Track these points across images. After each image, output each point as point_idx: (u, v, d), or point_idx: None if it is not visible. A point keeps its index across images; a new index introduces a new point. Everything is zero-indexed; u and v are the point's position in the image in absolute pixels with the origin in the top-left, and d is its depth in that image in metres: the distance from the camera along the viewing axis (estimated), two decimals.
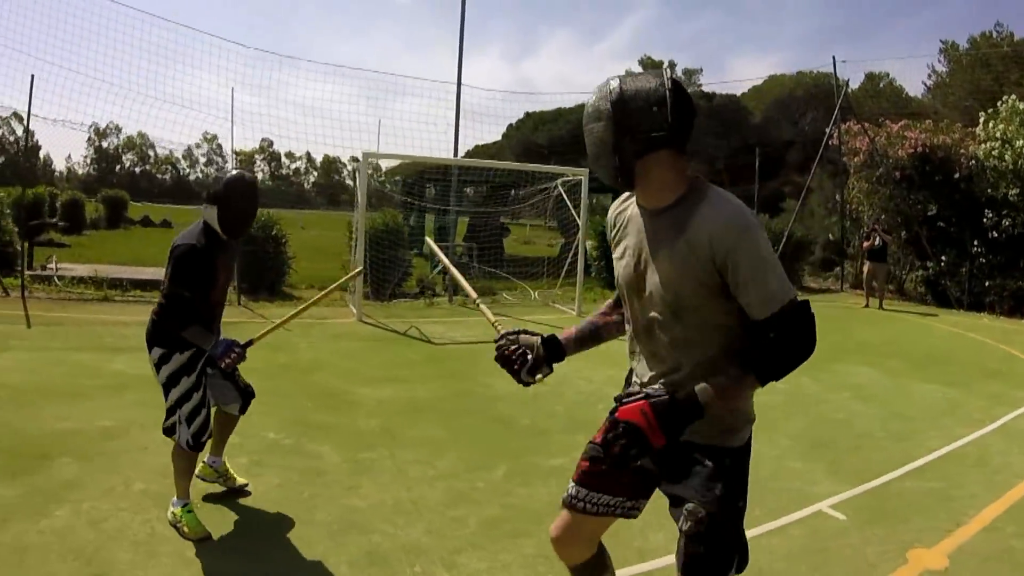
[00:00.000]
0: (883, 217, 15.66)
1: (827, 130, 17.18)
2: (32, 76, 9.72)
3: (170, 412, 3.15)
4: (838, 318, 12.06)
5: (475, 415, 5.20)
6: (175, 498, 3.15)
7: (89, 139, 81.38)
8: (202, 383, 3.17)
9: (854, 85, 36.86)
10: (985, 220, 14.20)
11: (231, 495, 3.51)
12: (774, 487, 3.92)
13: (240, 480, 3.56)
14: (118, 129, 76.07)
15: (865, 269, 14.12)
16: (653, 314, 1.79)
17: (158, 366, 3.10)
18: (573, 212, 11.70)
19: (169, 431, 3.17)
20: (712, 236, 1.62)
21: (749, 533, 1.96)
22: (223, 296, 3.31)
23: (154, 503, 3.34)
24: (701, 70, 44.86)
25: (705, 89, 36.98)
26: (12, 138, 64.89)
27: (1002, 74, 24.27)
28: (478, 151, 47.96)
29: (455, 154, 11.82)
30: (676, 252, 1.69)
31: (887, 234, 14.09)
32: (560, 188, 11.84)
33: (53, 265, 11.57)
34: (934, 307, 14.42)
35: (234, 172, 3.16)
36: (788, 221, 16.51)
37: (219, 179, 3.14)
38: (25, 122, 10.48)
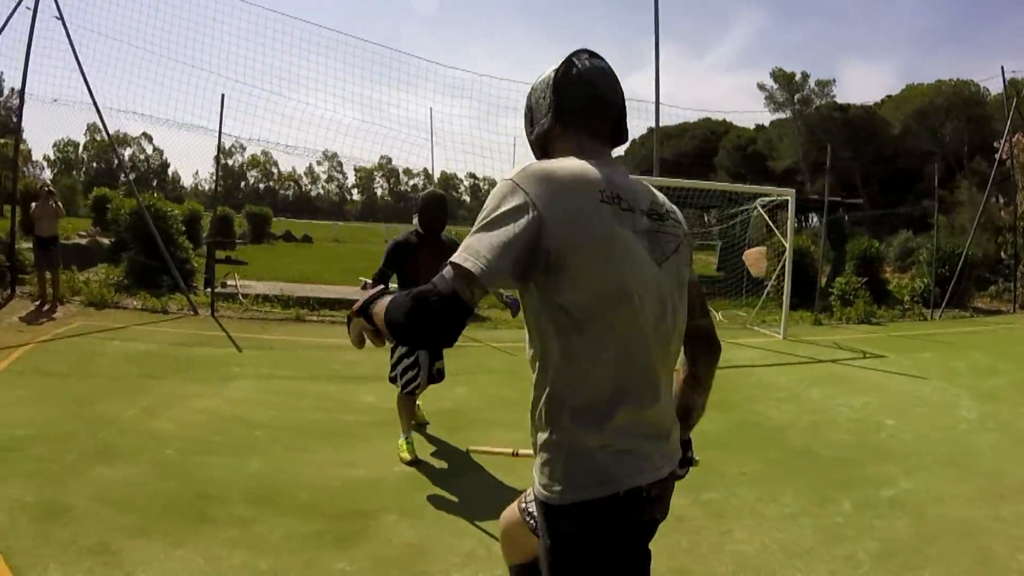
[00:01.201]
0: None
1: (996, 144, 16.72)
2: (223, 96, 10.35)
3: (392, 367, 4.72)
4: (1017, 341, 12.00)
5: (774, 447, 5.51)
6: (401, 432, 4.72)
7: (216, 156, 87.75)
8: (414, 352, 4.62)
9: (995, 91, 35.29)
10: None
11: None
12: None
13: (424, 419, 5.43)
14: (242, 147, 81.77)
15: None
16: None
17: None
18: (778, 233, 11.91)
19: (392, 380, 4.72)
20: None
21: None
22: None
23: None
24: (834, 80, 43.57)
25: (839, 100, 36.23)
26: (142, 156, 71.14)
27: None
28: None
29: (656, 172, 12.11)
30: None
31: None
32: (760, 209, 12.04)
33: (235, 282, 11.80)
34: None
35: (428, 189, 4.89)
36: (938, 239, 16.06)
37: (420, 195, 4.78)
38: (218, 141, 10.92)
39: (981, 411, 6.82)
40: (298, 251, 25.46)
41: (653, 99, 10.78)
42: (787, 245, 10.89)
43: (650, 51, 8.60)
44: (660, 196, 1.62)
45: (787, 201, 10.89)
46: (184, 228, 12.76)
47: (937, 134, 33.42)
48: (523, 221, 1.33)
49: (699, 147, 46.43)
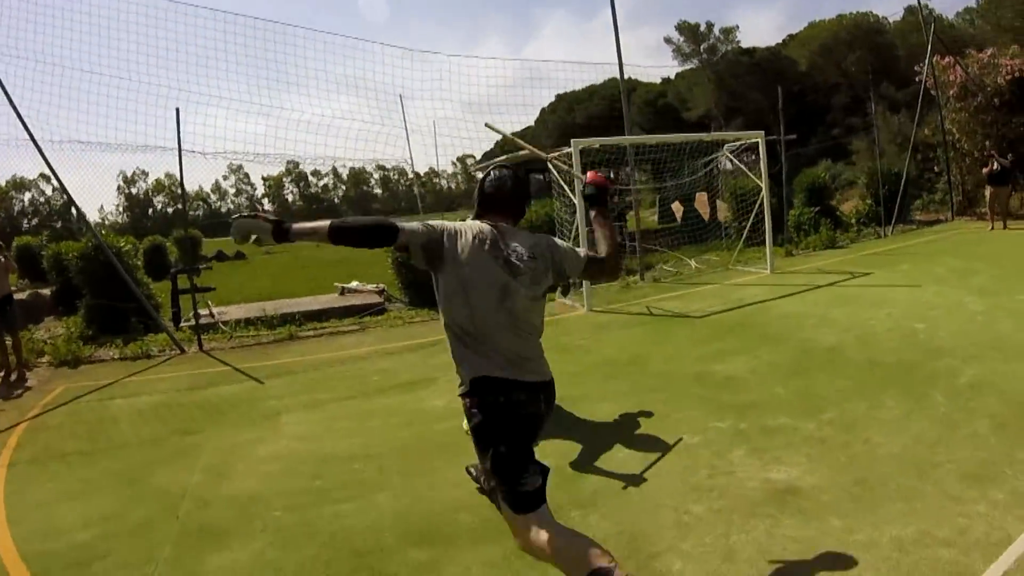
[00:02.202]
0: (987, 143, 16.48)
1: (917, 67, 18.02)
2: (177, 110, 9.41)
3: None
4: (980, 242, 13.41)
5: (843, 364, 6.04)
6: None
7: (119, 187, 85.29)
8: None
9: (895, 20, 37.63)
10: None
11: None
12: None
13: None
14: (144, 174, 79.17)
15: (988, 194, 15.03)
16: None
17: None
18: (751, 175, 12.52)
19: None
20: None
21: None
22: None
23: None
24: (737, 27, 45.27)
25: (744, 45, 37.76)
26: (43, 199, 67.95)
27: None
28: (507, 139, 48.30)
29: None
30: None
31: (1004, 158, 14.90)
32: (728, 154, 12.59)
33: (209, 311, 11.02)
34: None
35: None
36: (861, 165, 17.15)
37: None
38: (179, 160, 9.52)
39: (985, 304, 7.68)
40: (241, 269, 24.66)
41: (551, 63, 11.02)
42: (762, 184, 11.51)
43: (545, 18, 9.11)
44: (535, 243, 2.81)
45: (756, 143, 11.49)
46: (140, 263, 12.21)
47: (841, 66, 35.34)
48: (440, 232, 2.69)
49: (609, 107, 47.24)
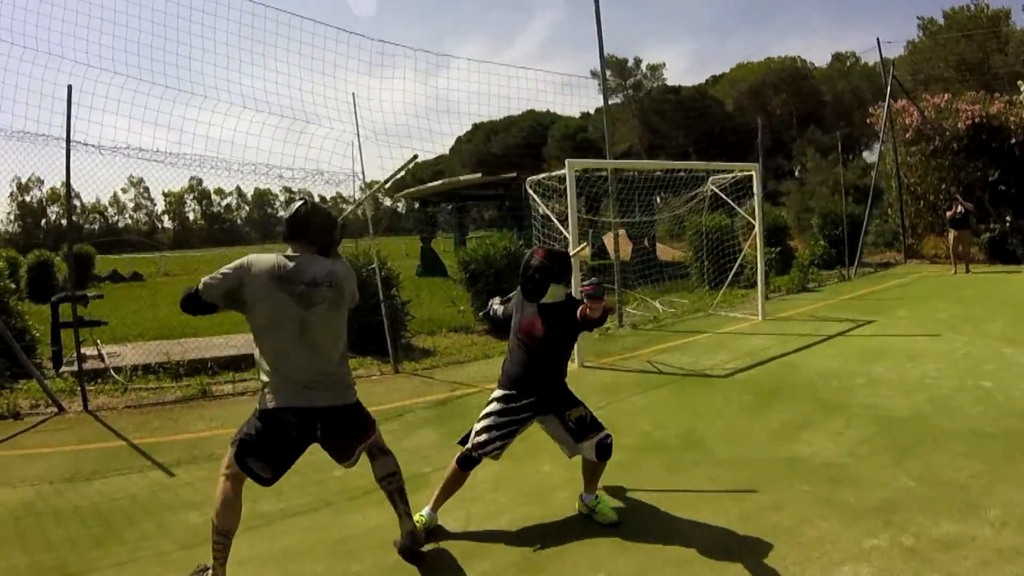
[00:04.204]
0: (946, 188, 16.85)
1: (871, 110, 18.49)
2: (69, 88, 6.99)
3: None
4: (956, 286, 13.50)
5: (940, 438, 5.28)
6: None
7: (11, 194, 78.30)
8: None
9: (821, 64, 39.48)
10: None
11: None
12: None
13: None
14: (40, 181, 73.66)
15: (950, 237, 15.24)
16: None
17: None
18: (740, 211, 11.87)
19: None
20: None
21: None
22: None
23: None
24: (664, 64, 46.66)
25: (670, 83, 38.53)
26: None
27: (983, 43, 26.97)
28: (418, 167, 47.86)
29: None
30: None
31: (969, 201, 15.15)
32: (713, 187, 11.91)
33: (98, 351, 9.05)
34: (1006, 265, 16.09)
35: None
36: (845, 204, 17.30)
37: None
38: (66, 150, 7.12)
39: None
40: (137, 293, 20.52)
41: (459, 97, 10.21)
42: (756, 222, 10.86)
43: (456, 49, 8.44)
44: (332, 270, 3.24)
45: (750, 176, 10.87)
46: (16, 284, 9.88)
47: (767, 108, 36.51)
48: (237, 276, 3.12)
49: (527, 139, 47.53)
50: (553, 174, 9.36)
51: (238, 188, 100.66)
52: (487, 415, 3.91)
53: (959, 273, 14.88)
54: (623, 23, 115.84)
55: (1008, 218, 16.46)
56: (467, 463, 3.89)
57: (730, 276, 12.47)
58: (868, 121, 19.24)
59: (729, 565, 3.49)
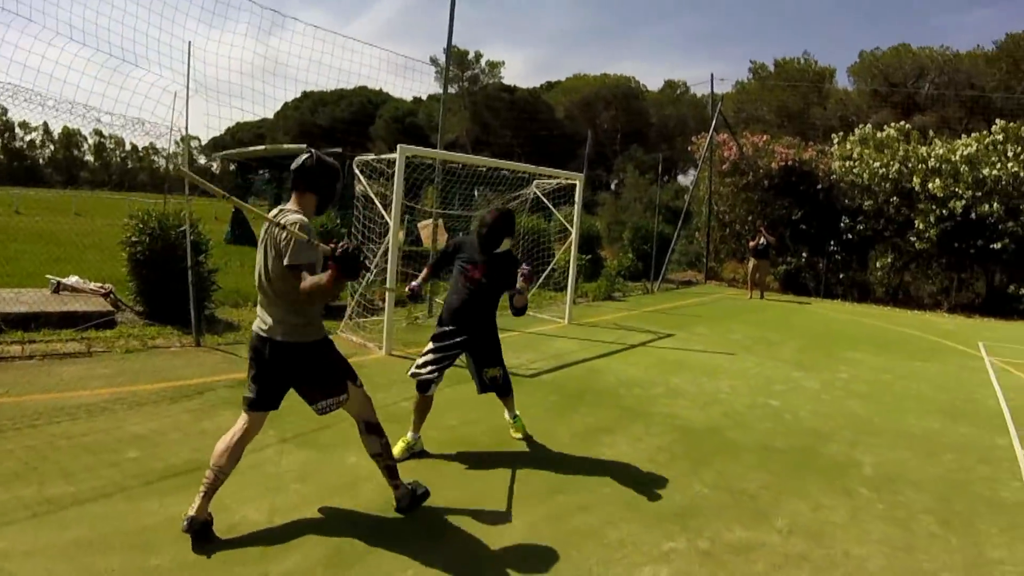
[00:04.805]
0: (753, 220, 18.42)
1: (693, 138, 19.77)
2: None
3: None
4: (750, 310, 14.78)
5: (737, 451, 5.53)
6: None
7: None
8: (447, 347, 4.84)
9: (653, 88, 41.66)
10: (842, 224, 17.67)
11: None
12: None
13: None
14: None
15: (750, 265, 16.65)
16: None
17: None
18: (560, 217, 11.92)
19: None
20: None
21: None
22: None
23: None
24: (503, 63, 47.00)
25: (507, 82, 38.98)
26: None
27: (806, 95, 30.03)
28: (240, 128, 45.24)
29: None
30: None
31: (772, 235, 16.59)
32: (537, 191, 11.88)
33: None
34: (797, 296, 18.02)
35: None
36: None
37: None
38: None
39: (815, 380, 8.11)
40: None
41: (295, 63, 9.59)
42: (573, 229, 11.02)
43: (301, 13, 8.06)
44: (278, 215, 3.35)
45: (574, 184, 11.01)
46: None
47: (596, 121, 38.01)
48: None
49: (355, 115, 46.39)
50: (383, 157, 8.87)
51: (45, 124, 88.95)
52: (428, 349, 4.78)
53: (754, 298, 16.27)
54: (471, 16, 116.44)
55: (804, 254, 18.56)
56: (421, 387, 4.68)
57: (541, 278, 12.60)
58: (689, 148, 20.76)
59: (537, 563, 3.43)
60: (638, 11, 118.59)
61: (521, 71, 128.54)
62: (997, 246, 15.96)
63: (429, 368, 4.67)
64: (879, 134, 18.16)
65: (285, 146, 20.98)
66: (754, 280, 16.68)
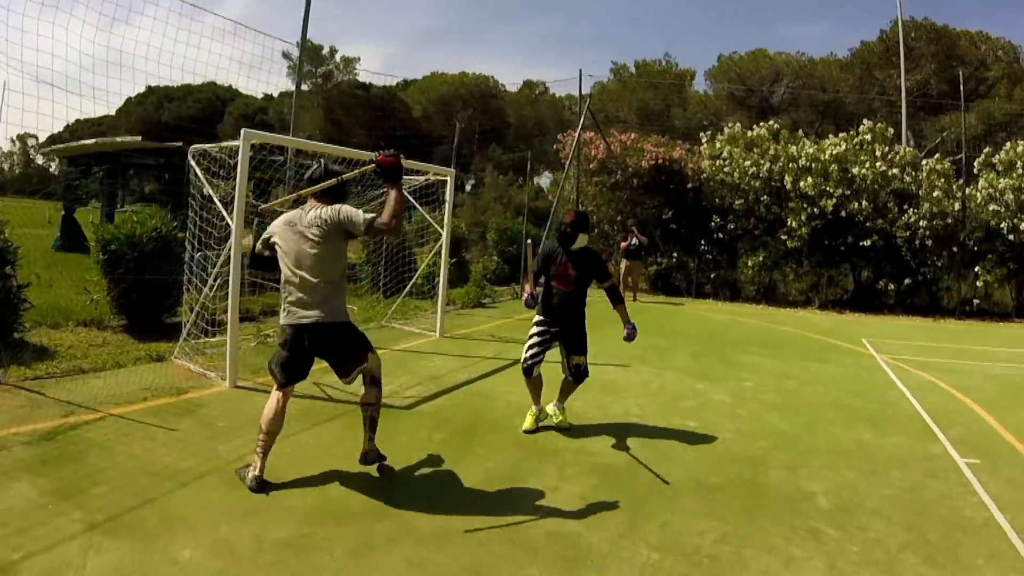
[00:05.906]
0: (623, 219, 18.23)
1: (560, 136, 19.47)
2: None
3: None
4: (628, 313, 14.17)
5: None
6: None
7: None
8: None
9: (512, 89, 41.31)
10: (712, 224, 17.82)
11: None
12: None
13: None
14: None
15: (623, 266, 16.28)
16: None
17: None
18: (428, 217, 10.83)
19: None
20: None
21: None
22: None
23: None
24: (359, 59, 45.65)
25: (362, 79, 37.65)
26: None
27: (667, 96, 30.75)
28: (80, 126, 41.65)
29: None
30: None
31: (643, 235, 16.42)
32: (405, 192, 10.74)
33: None
34: (668, 297, 18.26)
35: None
36: (525, 223, 17.80)
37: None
38: None
39: (723, 392, 7.63)
40: None
41: (143, 56, 8.51)
42: (444, 231, 10.01)
43: (141, 4, 7.29)
44: (319, 213, 4.08)
45: (444, 181, 10.03)
46: None
47: (452, 120, 37.26)
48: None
49: (203, 111, 44.23)
50: (224, 145, 7.45)
51: None
52: (531, 335, 5.67)
53: (627, 301, 15.81)
54: (326, 11, 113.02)
55: (675, 255, 18.62)
56: (527, 372, 5.63)
57: (408, 286, 11.52)
58: (555, 147, 20.44)
59: None
60: (498, 10, 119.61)
61: (378, 67, 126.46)
62: (866, 243, 16.70)
63: (532, 352, 5.60)
64: (749, 133, 18.53)
65: (118, 139, 18.92)
66: (626, 282, 16.38)
